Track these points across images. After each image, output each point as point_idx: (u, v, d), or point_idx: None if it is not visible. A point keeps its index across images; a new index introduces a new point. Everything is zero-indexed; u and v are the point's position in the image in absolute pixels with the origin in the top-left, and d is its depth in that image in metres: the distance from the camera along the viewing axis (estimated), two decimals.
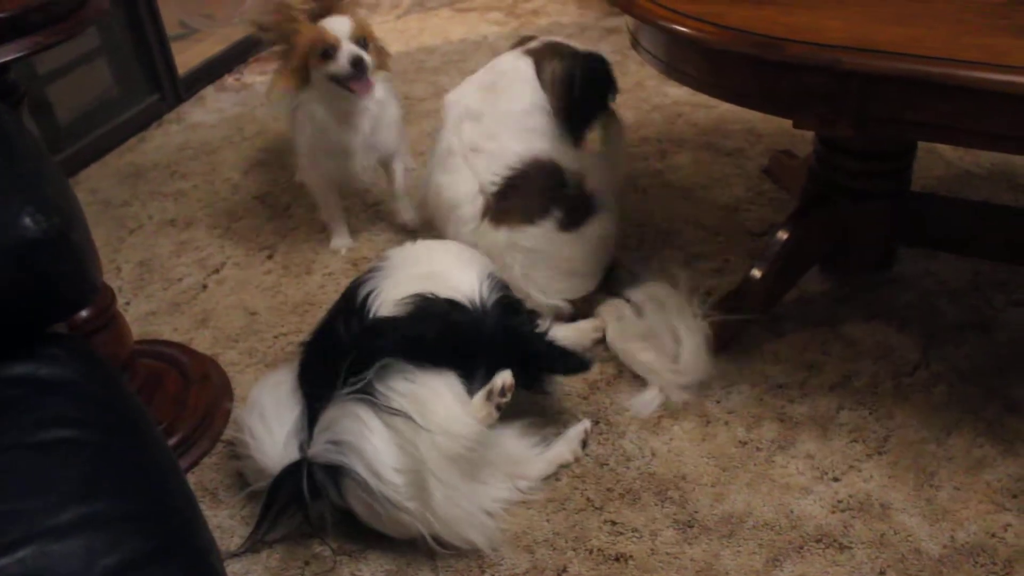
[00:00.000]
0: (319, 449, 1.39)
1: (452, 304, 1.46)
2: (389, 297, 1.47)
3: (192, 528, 0.85)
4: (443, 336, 1.42)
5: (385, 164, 2.12)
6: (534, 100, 1.78)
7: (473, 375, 1.43)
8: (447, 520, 1.36)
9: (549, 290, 1.79)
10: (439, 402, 1.39)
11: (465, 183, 1.79)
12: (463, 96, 1.85)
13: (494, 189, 1.75)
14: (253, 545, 1.44)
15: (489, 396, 1.41)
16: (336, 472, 1.37)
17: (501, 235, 1.74)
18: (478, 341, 1.44)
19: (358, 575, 1.40)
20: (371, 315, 1.46)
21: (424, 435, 1.35)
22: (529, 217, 1.74)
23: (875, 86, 1.31)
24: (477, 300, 1.47)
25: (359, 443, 1.34)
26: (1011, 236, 1.88)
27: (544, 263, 1.77)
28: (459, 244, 1.72)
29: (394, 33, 3.30)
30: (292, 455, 1.42)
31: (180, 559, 0.80)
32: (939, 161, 2.31)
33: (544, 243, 1.75)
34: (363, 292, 1.50)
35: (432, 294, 1.46)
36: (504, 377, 1.40)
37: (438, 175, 1.85)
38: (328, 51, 1.84)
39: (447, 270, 1.53)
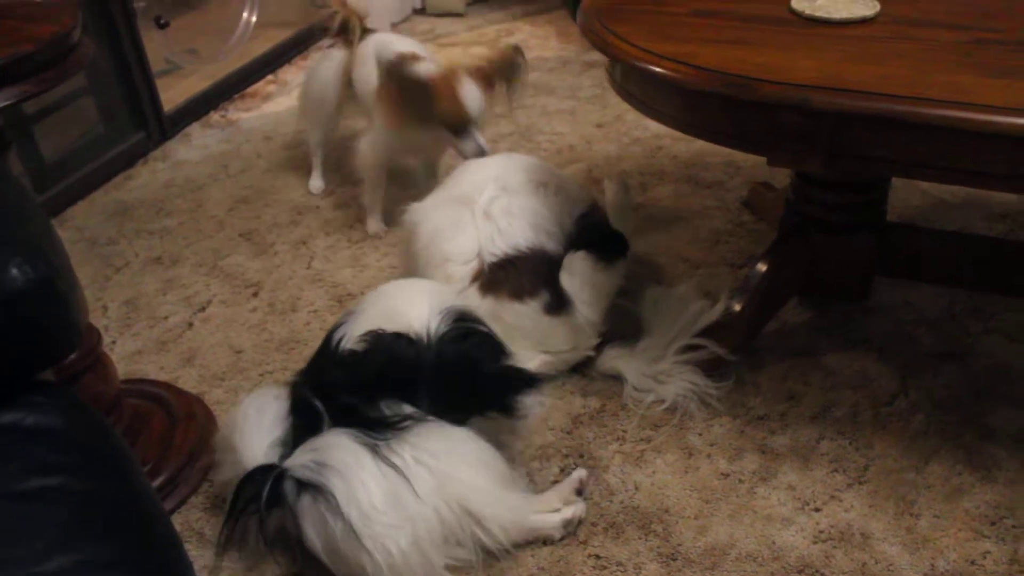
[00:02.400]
0: (299, 463, 1.40)
1: (398, 337, 1.49)
2: (352, 334, 1.52)
3: (176, 573, 0.86)
4: (386, 367, 1.48)
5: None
6: (563, 220, 1.85)
7: (417, 404, 1.47)
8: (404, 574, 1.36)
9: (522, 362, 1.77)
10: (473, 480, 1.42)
11: (466, 241, 1.79)
12: (514, 165, 1.92)
13: (492, 260, 1.77)
14: (224, 547, 1.47)
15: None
16: (307, 489, 1.37)
17: (486, 304, 1.74)
18: (420, 371, 1.47)
19: None
20: (336, 350, 1.52)
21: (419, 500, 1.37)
22: (518, 294, 1.75)
23: (844, 124, 1.35)
24: (424, 332, 1.50)
25: (346, 472, 1.36)
26: (985, 265, 1.92)
27: (522, 339, 1.76)
28: (425, 281, 1.74)
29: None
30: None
31: None
32: (915, 191, 2.34)
33: (527, 321, 1.75)
34: (336, 330, 1.57)
35: (382, 329, 1.50)
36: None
37: (441, 216, 1.85)
38: (459, 128, 1.94)
39: (402, 306, 1.56)
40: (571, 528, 1.50)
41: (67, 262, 1.03)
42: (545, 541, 1.48)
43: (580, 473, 1.56)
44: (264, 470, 1.41)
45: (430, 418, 1.46)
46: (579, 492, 1.54)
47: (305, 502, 1.37)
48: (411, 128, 2.03)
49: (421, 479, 1.38)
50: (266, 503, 1.38)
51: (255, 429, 1.48)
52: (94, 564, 0.82)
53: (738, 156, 2.50)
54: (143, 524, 0.90)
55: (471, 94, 1.96)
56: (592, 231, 1.84)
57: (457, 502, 1.39)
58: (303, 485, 1.38)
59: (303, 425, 1.47)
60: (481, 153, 1.96)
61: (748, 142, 1.49)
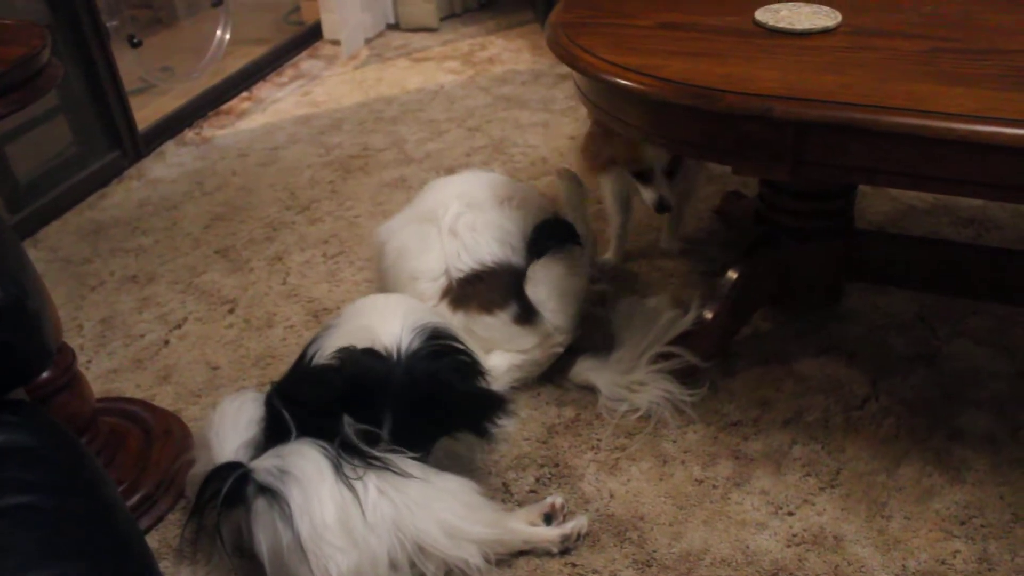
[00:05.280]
0: (263, 465, 1.41)
1: (367, 353, 1.50)
2: (326, 350, 1.53)
3: None
4: (353, 382, 1.48)
5: None
6: (527, 233, 1.87)
7: (381, 420, 1.46)
8: None
9: (499, 372, 1.78)
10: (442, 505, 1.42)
11: (433, 259, 1.81)
12: (478, 181, 1.94)
13: (459, 276, 1.79)
14: (190, 544, 1.50)
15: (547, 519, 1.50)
16: (265, 493, 1.38)
17: (457, 319, 1.76)
18: (387, 387, 1.47)
19: None
20: (308, 365, 1.54)
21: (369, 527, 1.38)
22: (488, 307, 1.77)
23: (807, 132, 1.37)
24: (394, 348, 1.50)
25: (306, 483, 1.36)
26: (954, 269, 1.95)
27: (498, 352, 1.79)
28: (403, 297, 1.75)
29: (352, 84, 3.35)
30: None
31: None
32: (884, 198, 2.38)
33: (498, 333, 1.77)
34: (310, 345, 1.58)
35: (352, 344, 1.51)
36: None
37: (407, 235, 1.88)
38: (643, 175, 1.89)
39: (374, 322, 1.56)
40: (569, 543, 1.50)
41: (38, 282, 1.03)
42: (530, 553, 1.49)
43: (555, 499, 1.54)
44: (230, 467, 1.42)
45: (402, 449, 1.46)
46: (548, 518, 1.52)
47: (260, 505, 1.38)
48: (609, 173, 2.01)
49: (378, 509, 1.38)
50: (226, 499, 1.39)
51: (230, 428, 1.50)
52: None
53: (709, 166, 2.53)
54: (117, 542, 0.90)
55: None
56: (541, 235, 1.85)
57: (413, 538, 1.39)
58: (262, 488, 1.38)
59: (273, 432, 1.48)
60: (661, 205, 1.89)
61: (714, 152, 1.51)
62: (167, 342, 2.07)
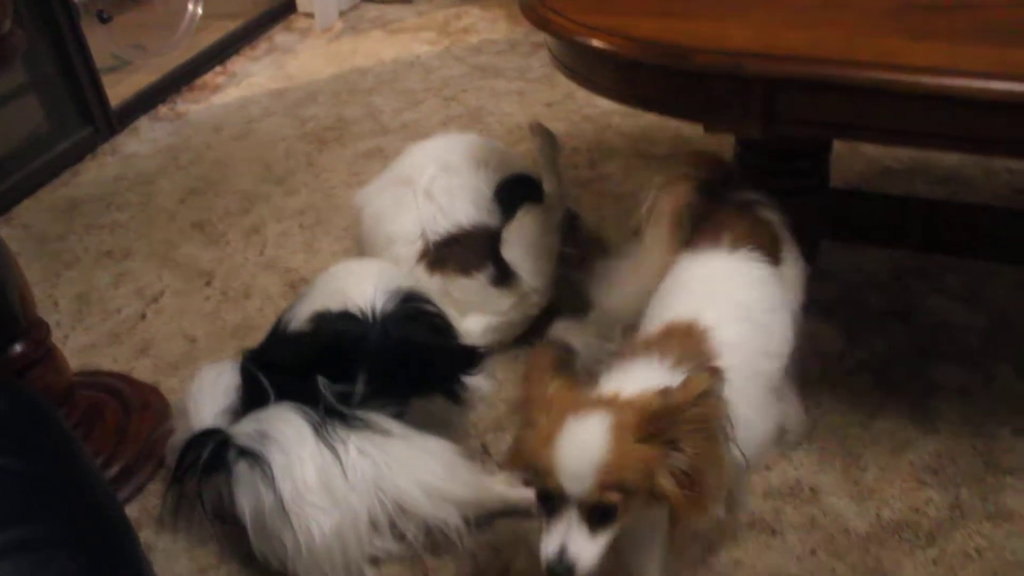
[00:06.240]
0: (243, 430, 1.42)
1: (342, 316, 1.50)
2: (300, 315, 1.54)
3: (123, 550, 0.86)
4: (328, 345, 1.48)
5: None
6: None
7: (356, 382, 1.47)
8: (320, 560, 1.37)
9: (475, 336, 1.78)
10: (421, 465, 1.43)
11: (409, 222, 1.82)
12: (454, 144, 1.92)
13: (436, 239, 1.79)
14: (170, 512, 1.52)
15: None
16: (246, 456, 1.39)
17: (434, 282, 1.77)
18: (362, 349, 1.48)
19: None
20: (283, 330, 1.54)
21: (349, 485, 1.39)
22: (465, 269, 1.78)
23: (778, 89, 1.37)
24: (369, 311, 1.50)
25: (287, 446, 1.37)
26: (929, 227, 1.96)
27: (474, 313, 1.79)
28: (376, 262, 1.76)
29: (326, 56, 3.32)
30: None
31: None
32: (860, 157, 2.39)
33: (475, 295, 1.78)
34: (285, 312, 1.59)
35: (328, 309, 1.51)
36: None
37: (383, 199, 1.88)
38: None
39: (348, 286, 1.57)
40: None
41: (2, 248, 1.03)
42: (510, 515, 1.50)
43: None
44: (209, 434, 1.43)
45: (383, 409, 1.47)
46: (528, 480, 1.53)
47: (242, 469, 1.39)
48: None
49: (359, 469, 1.39)
50: (206, 466, 1.40)
51: (208, 396, 1.50)
52: (39, 541, 0.82)
53: (686, 130, 2.53)
54: (89, 506, 0.90)
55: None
56: (504, 193, 1.86)
57: (394, 498, 1.40)
58: (243, 452, 1.39)
59: (251, 397, 1.48)
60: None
61: (686, 110, 1.51)
62: (144, 316, 2.06)
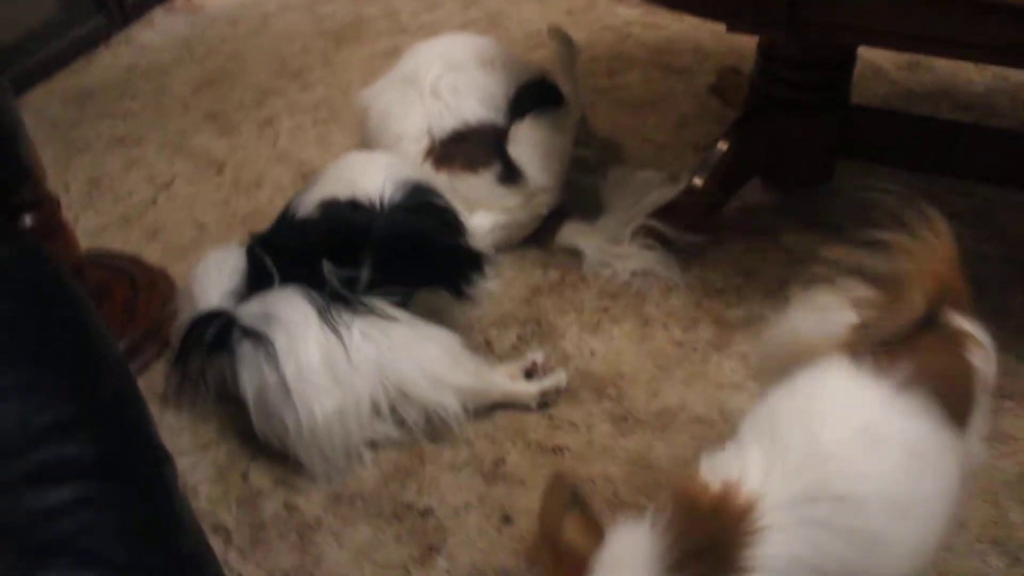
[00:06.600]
0: (248, 311, 1.43)
1: (350, 204, 1.50)
2: (309, 201, 1.53)
3: (125, 397, 0.87)
4: (335, 231, 1.48)
5: None
6: (509, 94, 1.83)
7: (361, 269, 1.47)
8: (320, 440, 1.39)
9: (483, 233, 1.76)
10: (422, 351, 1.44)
11: (415, 120, 1.80)
12: (460, 43, 1.90)
13: (442, 136, 1.78)
14: (174, 389, 1.54)
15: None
16: (250, 336, 1.40)
17: (441, 179, 1.75)
18: (369, 237, 1.47)
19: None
20: (291, 216, 1.54)
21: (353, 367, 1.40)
22: (472, 166, 1.76)
23: None
24: (377, 200, 1.50)
25: (291, 327, 1.38)
26: (947, 150, 1.93)
27: (482, 211, 1.78)
28: (384, 154, 1.75)
29: None
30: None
31: (112, 423, 0.83)
32: (884, 80, 2.34)
33: (482, 192, 1.77)
34: (294, 199, 1.59)
35: (335, 196, 1.51)
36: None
37: (389, 97, 1.86)
38: None
39: (358, 175, 1.56)
40: (549, 397, 1.52)
41: (10, 100, 1.02)
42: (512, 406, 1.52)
43: (536, 356, 1.56)
44: (214, 314, 1.44)
45: (387, 297, 1.48)
46: (528, 374, 1.54)
47: (246, 348, 1.40)
48: None
49: (362, 351, 1.40)
50: (211, 345, 1.41)
51: (214, 278, 1.51)
52: (45, 383, 0.83)
53: (707, 43, 2.48)
54: (95, 351, 0.91)
55: None
56: (524, 94, 1.83)
57: (396, 382, 1.41)
58: (247, 332, 1.40)
59: (256, 280, 1.49)
60: None
61: (709, 8, 1.48)
62: (155, 201, 2.06)
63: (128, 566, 0.70)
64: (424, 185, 1.59)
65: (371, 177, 1.54)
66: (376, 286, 1.48)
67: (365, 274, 1.46)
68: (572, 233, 1.79)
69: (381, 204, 1.50)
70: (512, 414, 1.51)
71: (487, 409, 1.51)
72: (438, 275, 1.56)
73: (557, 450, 1.45)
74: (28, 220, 1.55)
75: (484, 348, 1.62)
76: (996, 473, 1.41)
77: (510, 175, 1.75)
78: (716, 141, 1.80)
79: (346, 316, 1.42)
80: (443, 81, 1.81)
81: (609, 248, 1.75)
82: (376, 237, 1.47)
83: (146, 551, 0.73)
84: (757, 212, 1.91)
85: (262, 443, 1.47)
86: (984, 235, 1.84)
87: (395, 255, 1.49)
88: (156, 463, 0.84)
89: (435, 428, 1.47)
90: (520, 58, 1.99)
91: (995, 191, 1.93)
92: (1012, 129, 2.11)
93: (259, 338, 1.40)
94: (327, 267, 1.45)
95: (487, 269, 1.60)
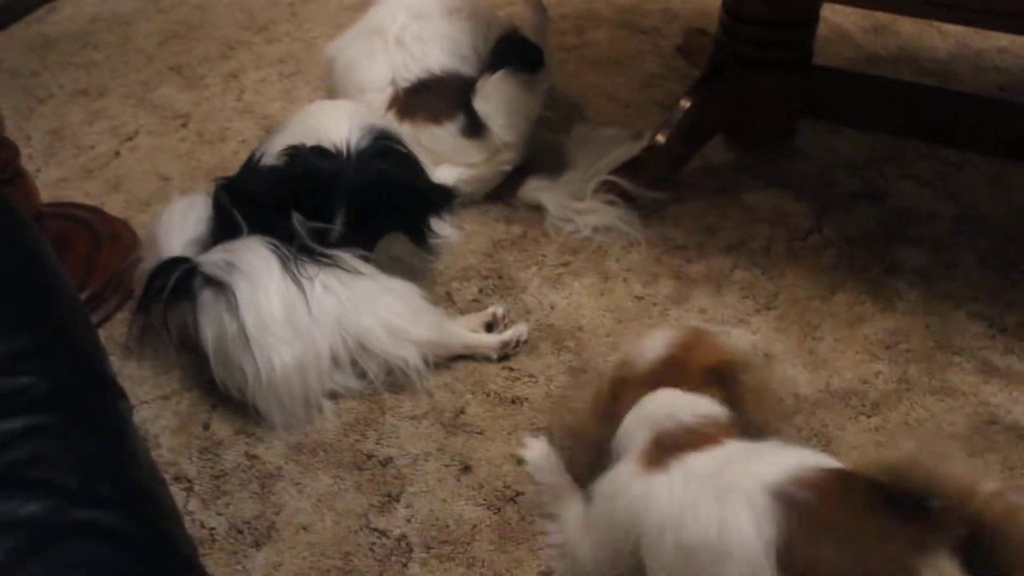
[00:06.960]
0: (210, 260, 1.44)
1: (317, 151, 1.50)
2: (272, 150, 1.53)
3: (78, 331, 0.88)
4: (303, 178, 1.48)
5: None
6: (477, 44, 1.82)
7: (332, 218, 1.48)
8: (279, 391, 1.40)
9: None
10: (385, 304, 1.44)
11: (379, 70, 1.80)
12: None
13: (406, 85, 1.77)
14: (136, 338, 1.54)
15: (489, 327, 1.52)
16: (211, 284, 1.41)
17: (405, 129, 1.74)
18: (337, 183, 1.48)
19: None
20: (256, 163, 1.54)
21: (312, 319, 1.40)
22: (435, 117, 1.76)
23: None
24: (344, 147, 1.50)
25: (253, 276, 1.39)
26: (909, 111, 1.96)
27: (446, 164, 1.78)
28: (348, 102, 1.74)
29: None
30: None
31: (64, 355, 0.83)
32: (849, 44, 2.36)
33: (445, 144, 1.76)
34: (259, 147, 1.59)
35: (302, 143, 1.51)
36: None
37: (355, 48, 1.86)
38: None
39: (323, 123, 1.56)
40: (509, 349, 1.53)
41: None
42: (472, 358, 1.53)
43: (497, 308, 1.57)
44: (176, 261, 1.44)
45: (349, 250, 1.48)
46: (489, 327, 1.56)
47: (207, 296, 1.40)
48: None
49: (323, 304, 1.41)
50: (172, 292, 1.41)
51: (178, 226, 1.51)
52: None
53: (675, 4, 2.49)
54: (48, 290, 0.91)
55: None
56: (506, 48, 1.83)
57: (356, 335, 1.42)
58: (209, 280, 1.40)
59: (222, 228, 1.49)
60: None
61: None
62: (118, 153, 2.04)
63: (80, 495, 0.71)
64: (387, 131, 1.59)
65: (336, 124, 1.54)
66: (346, 238, 1.48)
67: (338, 225, 1.47)
68: (535, 188, 1.80)
69: (348, 151, 1.50)
70: (472, 365, 1.52)
71: (448, 360, 1.53)
72: (404, 221, 1.56)
73: (516, 401, 1.47)
74: None
75: (446, 301, 1.63)
76: (943, 424, 1.45)
77: (474, 128, 1.75)
78: (679, 99, 1.82)
79: (310, 268, 1.43)
80: (408, 31, 1.80)
81: (571, 204, 1.76)
82: (347, 185, 1.47)
83: (98, 481, 0.74)
84: (719, 170, 1.93)
85: (223, 393, 1.47)
86: (942, 196, 1.87)
87: (367, 202, 1.49)
88: (109, 396, 0.85)
89: (396, 379, 1.48)
90: (489, 10, 1.98)
91: (954, 154, 1.96)
92: (973, 94, 2.14)
93: (221, 286, 1.40)
94: (297, 219, 1.45)
95: (453, 209, 1.61)
